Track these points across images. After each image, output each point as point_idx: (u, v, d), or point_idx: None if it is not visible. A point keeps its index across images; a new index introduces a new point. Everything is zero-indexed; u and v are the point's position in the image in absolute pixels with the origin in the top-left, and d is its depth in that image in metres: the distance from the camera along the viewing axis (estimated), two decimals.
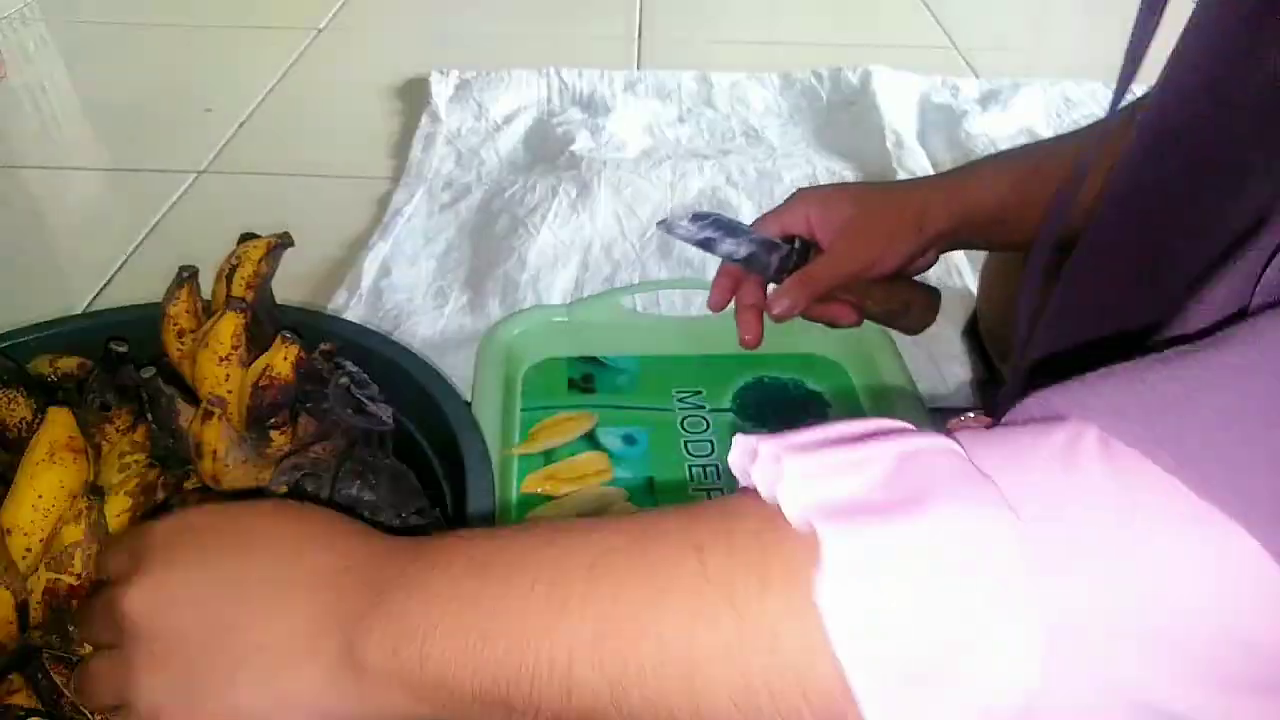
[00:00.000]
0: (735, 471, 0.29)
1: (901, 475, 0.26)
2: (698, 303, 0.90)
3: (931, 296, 0.65)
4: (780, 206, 0.62)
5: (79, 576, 0.47)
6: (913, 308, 0.65)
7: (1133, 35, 0.42)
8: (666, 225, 0.60)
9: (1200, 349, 0.24)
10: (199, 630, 0.32)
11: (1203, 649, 0.23)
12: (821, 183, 1.09)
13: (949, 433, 0.28)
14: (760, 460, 0.27)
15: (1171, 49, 0.42)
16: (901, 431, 0.28)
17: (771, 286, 0.62)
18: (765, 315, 0.62)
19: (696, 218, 0.60)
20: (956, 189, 0.61)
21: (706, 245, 0.60)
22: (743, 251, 0.60)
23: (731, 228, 0.60)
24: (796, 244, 0.61)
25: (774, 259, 0.61)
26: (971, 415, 0.29)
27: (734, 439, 0.29)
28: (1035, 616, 0.23)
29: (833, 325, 0.64)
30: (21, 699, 0.44)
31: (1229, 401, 0.23)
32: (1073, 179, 0.45)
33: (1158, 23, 0.41)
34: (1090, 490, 0.24)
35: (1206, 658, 0.23)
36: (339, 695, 0.31)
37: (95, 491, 0.48)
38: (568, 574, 0.29)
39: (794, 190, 0.62)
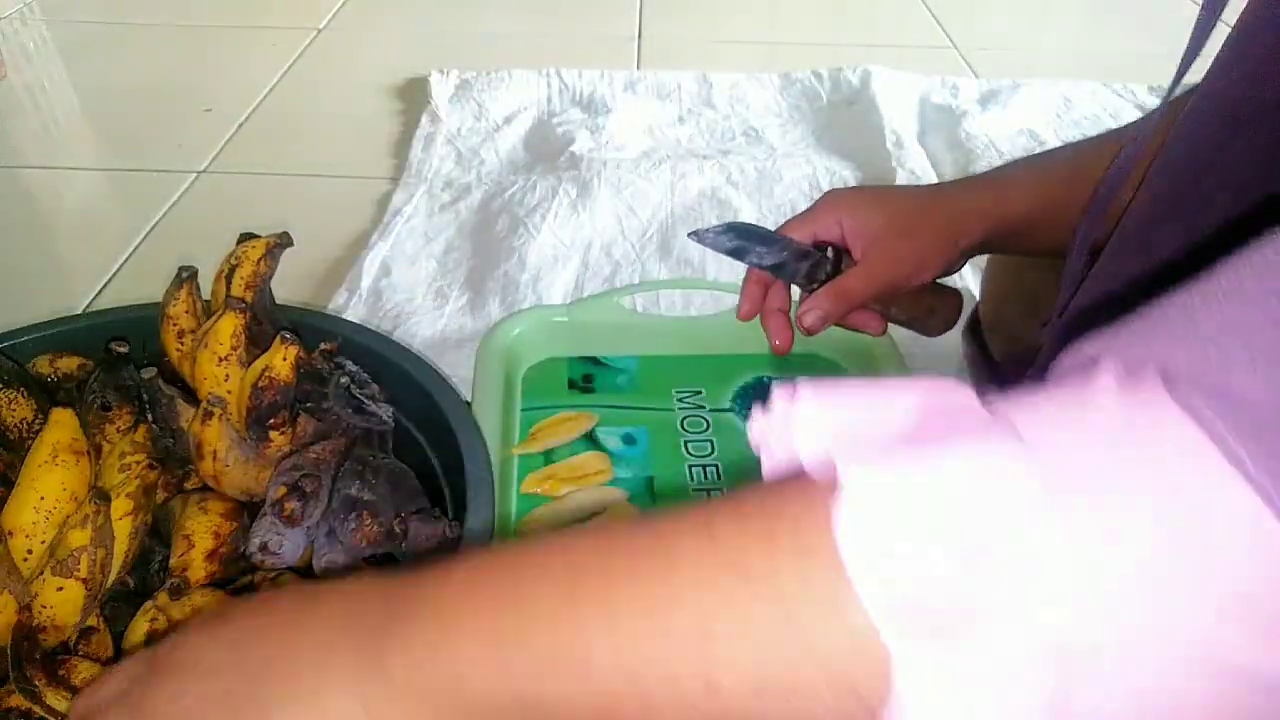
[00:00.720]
0: (751, 436, 0.28)
1: (919, 416, 0.25)
2: (698, 303, 0.90)
3: (956, 300, 0.65)
4: (810, 211, 0.61)
5: (85, 581, 0.47)
6: (937, 312, 0.64)
7: (1193, 33, 0.42)
8: (697, 235, 0.60)
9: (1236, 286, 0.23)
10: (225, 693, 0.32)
11: (1247, 597, 0.21)
12: (821, 182, 1.09)
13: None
14: (774, 409, 0.27)
15: (1228, 35, 0.41)
16: (919, 381, 0.27)
17: (797, 291, 0.62)
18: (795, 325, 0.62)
19: (729, 228, 0.60)
20: (990, 200, 0.60)
21: (737, 253, 0.60)
22: (775, 259, 0.60)
23: (762, 236, 0.60)
24: (829, 252, 0.60)
25: (805, 266, 0.60)
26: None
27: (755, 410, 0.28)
28: (1065, 561, 0.22)
29: (857, 333, 0.64)
30: (18, 700, 0.44)
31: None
32: (1114, 175, 0.44)
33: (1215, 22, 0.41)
34: (1110, 426, 0.23)
35: (1256, 609, 0.21)
36: (373, 711, 0.31)
37: (102, 497, 0.47)
38: (578, 570, 0.29)
39: (793, 188, 0.62)
